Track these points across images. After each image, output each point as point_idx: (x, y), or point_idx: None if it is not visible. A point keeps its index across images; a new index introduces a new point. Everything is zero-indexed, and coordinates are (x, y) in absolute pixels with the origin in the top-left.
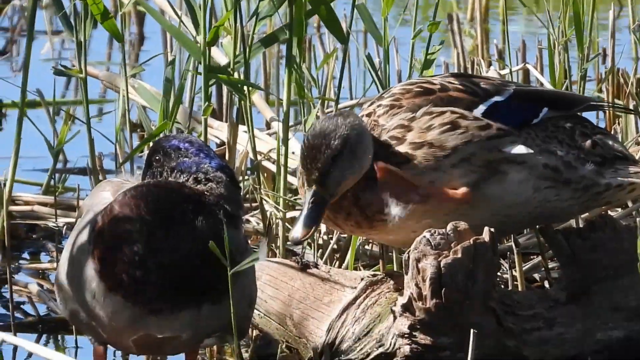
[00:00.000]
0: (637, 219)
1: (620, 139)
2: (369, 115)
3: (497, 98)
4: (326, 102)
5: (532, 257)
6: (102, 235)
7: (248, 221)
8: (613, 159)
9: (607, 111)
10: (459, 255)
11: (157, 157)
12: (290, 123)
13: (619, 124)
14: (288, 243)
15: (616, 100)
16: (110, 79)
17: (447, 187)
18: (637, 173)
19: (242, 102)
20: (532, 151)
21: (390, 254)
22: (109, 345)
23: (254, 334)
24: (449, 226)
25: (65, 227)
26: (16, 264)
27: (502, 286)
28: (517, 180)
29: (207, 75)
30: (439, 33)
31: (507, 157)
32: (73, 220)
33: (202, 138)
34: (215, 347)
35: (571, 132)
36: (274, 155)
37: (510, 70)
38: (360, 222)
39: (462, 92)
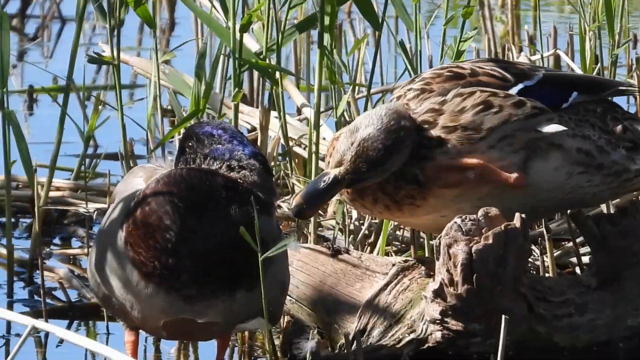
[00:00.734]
0: None
1: None
2: (398, 98)
3: (527, 82)
4: (357, 87)
5: (563, 242)
6: (135, 222)
7: (279, 207)
8: None
9: (637, 97)
10: (490, 241)
11: (190, 144)
12: (322, 109)
13: None
14: (320, 229)
15: None
16: (142, 65)
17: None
18: None
19: (274, 87)
20: (566, 128)
21: (421, 239)
22: (140, 331)
23: (286, 320)
24: (480, 212)
25: (95, 212)
26: (47, 249)
27: (533, 272)
28: (553, 167)
29: (238, 60)
30: (469, 20)
31: (544, 137)
32: (103, 206)
33: (233, 124)
34: (246, 333)
35: (602, 117)
36: (305, 141)
37: (542, 56)
38: (389, 206)
39: (492, 77)
